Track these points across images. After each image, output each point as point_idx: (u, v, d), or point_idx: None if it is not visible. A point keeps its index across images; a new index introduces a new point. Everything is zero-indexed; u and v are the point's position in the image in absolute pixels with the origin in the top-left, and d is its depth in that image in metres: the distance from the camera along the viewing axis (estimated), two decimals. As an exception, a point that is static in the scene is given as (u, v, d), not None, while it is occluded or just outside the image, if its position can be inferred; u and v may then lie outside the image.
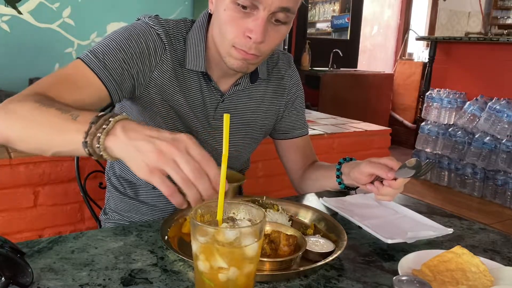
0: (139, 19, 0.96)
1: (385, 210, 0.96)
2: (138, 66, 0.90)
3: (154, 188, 1.04)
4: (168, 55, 0.93)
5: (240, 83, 1.01)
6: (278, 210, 0.87)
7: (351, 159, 1.05)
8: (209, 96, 0.99)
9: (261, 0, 0.79)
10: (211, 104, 0.99)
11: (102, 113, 0.64)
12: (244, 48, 0.85)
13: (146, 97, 0.95)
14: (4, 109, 0.72)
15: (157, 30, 0.92)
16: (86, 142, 0.62)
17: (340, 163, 1.04)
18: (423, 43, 5.81)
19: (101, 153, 0.62)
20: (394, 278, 0.57)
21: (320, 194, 1.06)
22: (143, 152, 0.59)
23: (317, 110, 3.83)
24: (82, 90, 0.83)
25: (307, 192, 1.12)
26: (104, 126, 0.62)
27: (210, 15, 0.95)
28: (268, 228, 0.76)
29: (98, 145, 0.61)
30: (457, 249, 0.71)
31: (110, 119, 0.62)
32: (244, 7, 0.81)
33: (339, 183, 1.03)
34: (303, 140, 1.17)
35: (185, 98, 0.97)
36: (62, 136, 0.66)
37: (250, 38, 0.82)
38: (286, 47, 4.52)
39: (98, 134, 0.61)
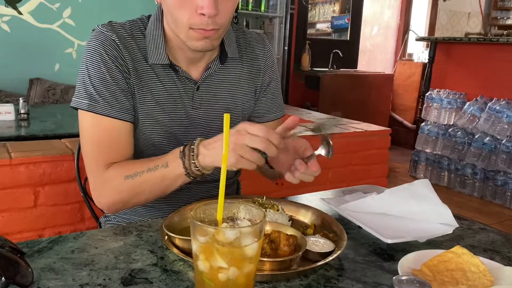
0: (93, 30, 0.95)
1: (386, 210, 0.95)
2: (123, 77, 0.91)
3: None
4: (127, 58, 0.92)
5: (211, 67, 0.99)
6: (278, 210, 0.87)
7: None
8: (183, 87, 0.97)
9: None
10: (186, 94, 0.98)
11: (179, 148, 0.84)
12: (202, 26, 0.84)
13: (137, 102, 0.95)
14: (110, 199, 0.91)
15: (111, 36, 0.92)
16: (188, 173, 0.83)
17: None
18: (423, 44, 5.81)
19: (201, 171, 0.82)
20: (394, 278, 0.57)
21: (320, 194, 1.07)
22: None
23: (317, 111, 3.83)
24: (116, 142, 0.92)
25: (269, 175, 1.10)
26: (192, 154, 0.81)
27: None
28: (268, 228, 0.76)
29: (197, 167, 0.81)
30: (457, 249, 0.71)
31: (192, 147, 0.82)
32: None
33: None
34: (277, 122, 1.12)
35: (157, 95, 0.95)
36: (168, 183, 0.87)
37: (203, 14, 0.82)
38: (286, 47, 4.52)
39: (193, 161, 0.81)
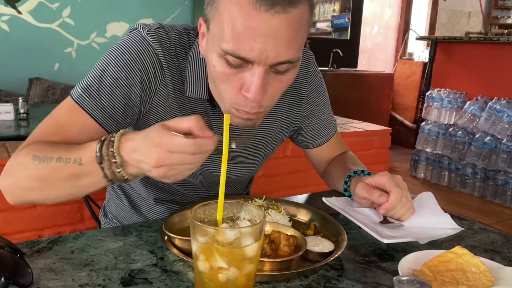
0: (135, 29, 0.83)
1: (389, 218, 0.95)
2: (139, 95, 0.81)
3: (153, 203, 1.01)
4: (168, 79, 0.82)
5: None
6: (281, 211, 0.86)
7: (362, 172, 0.95)
8: (216, 122, 0.88)
9: (253, 58, 0.66)
10: (218, 130, 0.88)
11: (96, 144, 0.66)
12: (245, 108, 0.72)
13: (145, 124, 0.85)
14: (10, 178, 0.74)
15: (156, 50, 0.80)
16: (110, 180, 0.66)
17: (350, 176, 0.95)
18: (423, 43, 5.81)
19: (129, 179, 0.66)
20: (394, 278, 0.56)
21: (321, 194, 1.06)
22: (147, 168, 0.63)
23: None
24: (80, 138, 0.76)
25: (332, 187, 1.09)
26: (114, 161, 0.64)
27: None
28: (268, 228, 0.76)
29: (125, 177, 0.66)
30: (457, 249, 0.71)
31: (111, 150, 0.64)
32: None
33: (349, 196, 0.97)
34: (328, 143, 1.09)
35: None
36: (81, 184, 0.70)
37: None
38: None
39: (118, 170, 0.65)
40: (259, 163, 1.06)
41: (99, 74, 0.80)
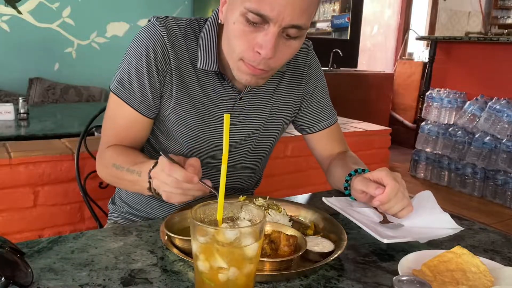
0: (149, 20, 0.95)
1: (389, 218, 0.95)
2: (158, 79, 0.93)
3: None
4: (173, 59, 0.92)
5: None
6: (281, 211, 0.86)
7: (363, 171, 0.96)
8: (225, 95, 0.97)
9: (272, 17, 0.76)
10: (227, 103, 0.97)
11: (153, 163, 0.83)
12: (253, 63, 0.82)
13: (166, 104, 0.95)
14: (101, 173, 1.01)
15: (162, 33, 0.91)
16: (152, 193, 0.85)
17: (351, 175, 0.97)
18: (423, 43, 5.81)
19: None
20: (394, 278, 0.57)
21: (321, 194, 1.06)
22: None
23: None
24: (133, 130, 0.98)
25: (333, 186, 1.10)
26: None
27: None
28: (268, 228, 0.76)
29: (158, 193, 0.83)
30: (457, 249, 0.71)
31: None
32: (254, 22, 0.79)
33: (349, 195, 0.97)
34: (329, 130, 1.13)
35: (195, 99, 0.95)
36: (137, 188, 0.90)
37: (259, 53, 0.80)
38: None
39: (154, 187, 0.83)
40: (265, 143, 1.07)
41: (127, 67, 0.93)
